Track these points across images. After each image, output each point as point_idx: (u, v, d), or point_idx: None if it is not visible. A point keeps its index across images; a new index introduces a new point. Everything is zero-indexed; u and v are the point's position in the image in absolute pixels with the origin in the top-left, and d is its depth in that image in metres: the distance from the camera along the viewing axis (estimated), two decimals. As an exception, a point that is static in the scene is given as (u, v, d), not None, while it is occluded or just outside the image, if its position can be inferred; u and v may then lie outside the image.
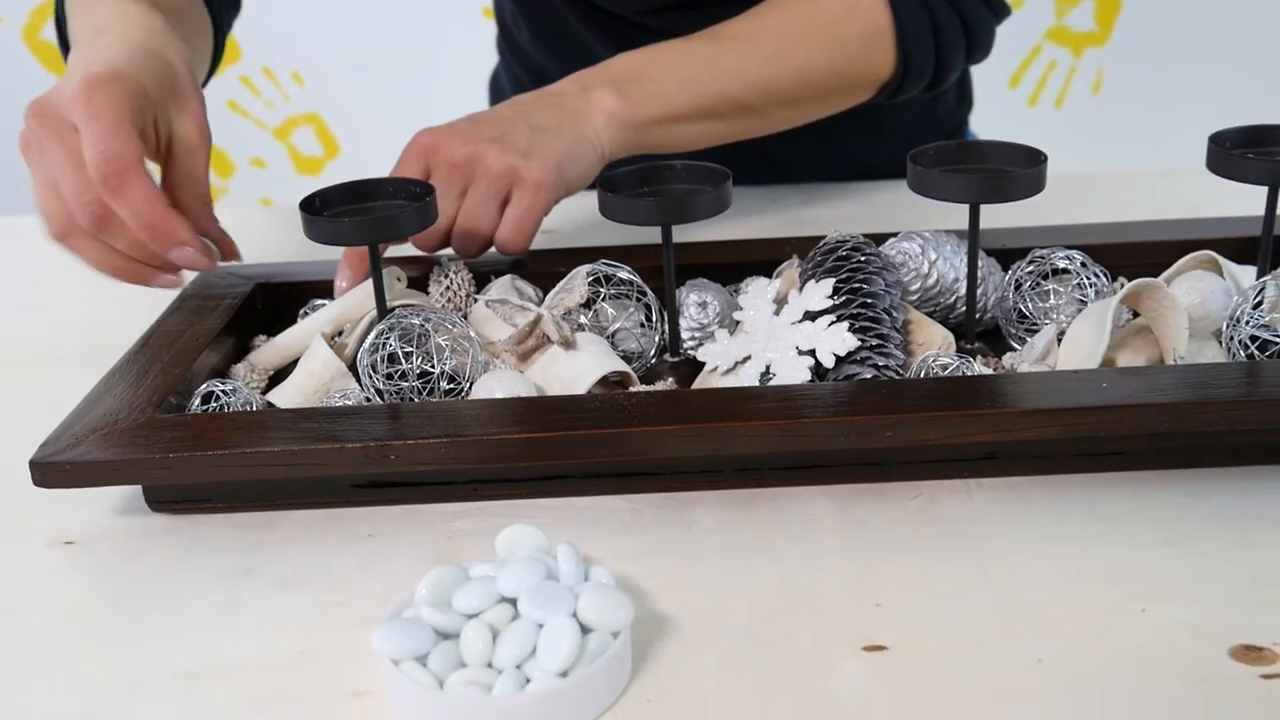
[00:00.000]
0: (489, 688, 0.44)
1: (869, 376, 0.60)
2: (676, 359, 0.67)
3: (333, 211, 0.65)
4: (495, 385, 0.61)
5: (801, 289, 0.64)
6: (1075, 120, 2.13)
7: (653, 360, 0.67)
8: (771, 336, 0.62)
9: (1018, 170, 0.63)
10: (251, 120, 2.16)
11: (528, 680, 0.44)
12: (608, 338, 0.68)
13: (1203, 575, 0.51)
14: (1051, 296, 0.67)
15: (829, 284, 0.63)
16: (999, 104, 2.10)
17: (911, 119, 1.02)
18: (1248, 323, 0.62)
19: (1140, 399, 0.55)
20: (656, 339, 0.67)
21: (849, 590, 0.51)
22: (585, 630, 0.46)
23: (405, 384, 0.61)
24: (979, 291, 0.69)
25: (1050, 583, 0.51)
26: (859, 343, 0.60)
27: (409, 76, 2.07)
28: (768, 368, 0.61)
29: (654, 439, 0.55)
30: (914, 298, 0.68)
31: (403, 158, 0.73)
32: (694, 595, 0.52)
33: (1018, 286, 0.68)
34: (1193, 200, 0.90)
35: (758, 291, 0.65)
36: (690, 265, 0.72)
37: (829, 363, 0.60)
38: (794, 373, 0.60)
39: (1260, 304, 0.63)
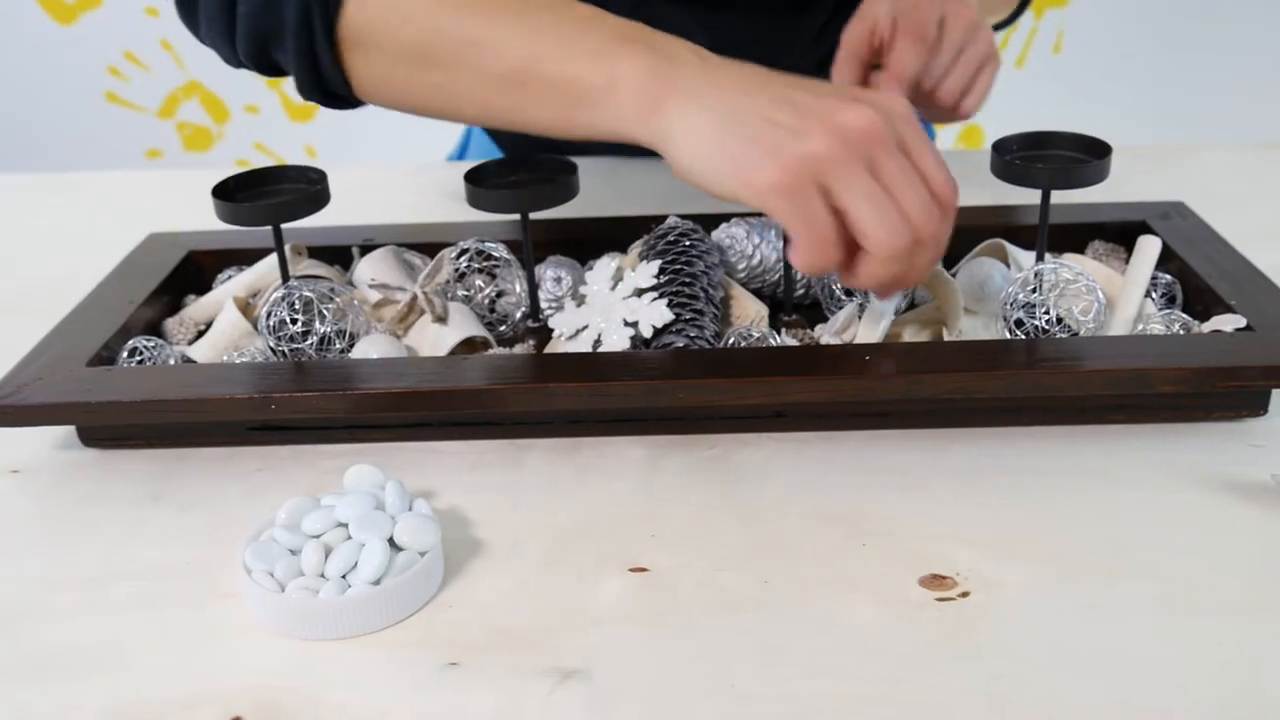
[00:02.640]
0: (317, 592, 0.56)
1: (681, 345, 0.71)
2: (537, 325, 0.79)
3: (243, 195, 0.76)
4: (370, 347, 0.73)
5: (635, 268, 0.75)
6: (1034, 81, 2.21)
7: (518, 325, 0.79)
8: (606, 309, 0.74)
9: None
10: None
11: (349, 587, 0.56)
12: (487, 305, 0.79)
13: (922, 517, 0.63)
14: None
15: (656, 264, 0.74)
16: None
17: None
18: (1013, 305, 0.73)
19: (892, 369, 0.66)
20: (522, 308, 0.79)
21: (633, 523, 0.63)
22: (399, 549, 0.58)
23: (295, 345, 0.73)
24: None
25: (797, 521, 0.63)
26: (674, 316, 0.71)
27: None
28: (599, 336, 0.73)
29: (492, 395, 0.67)
30: (741, 275, 0.79)
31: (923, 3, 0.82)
32: (509, 524, 0.64)
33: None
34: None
35: (602, 268, 0.76)
36: (591, 239, 0.84)
37: (648, 333, 0.71)
38: (618, 341, 0.72)
39: (1035, 289, 0.74)
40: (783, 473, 0.67)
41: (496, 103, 0.70)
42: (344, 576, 0.57)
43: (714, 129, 0.61)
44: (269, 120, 2.28)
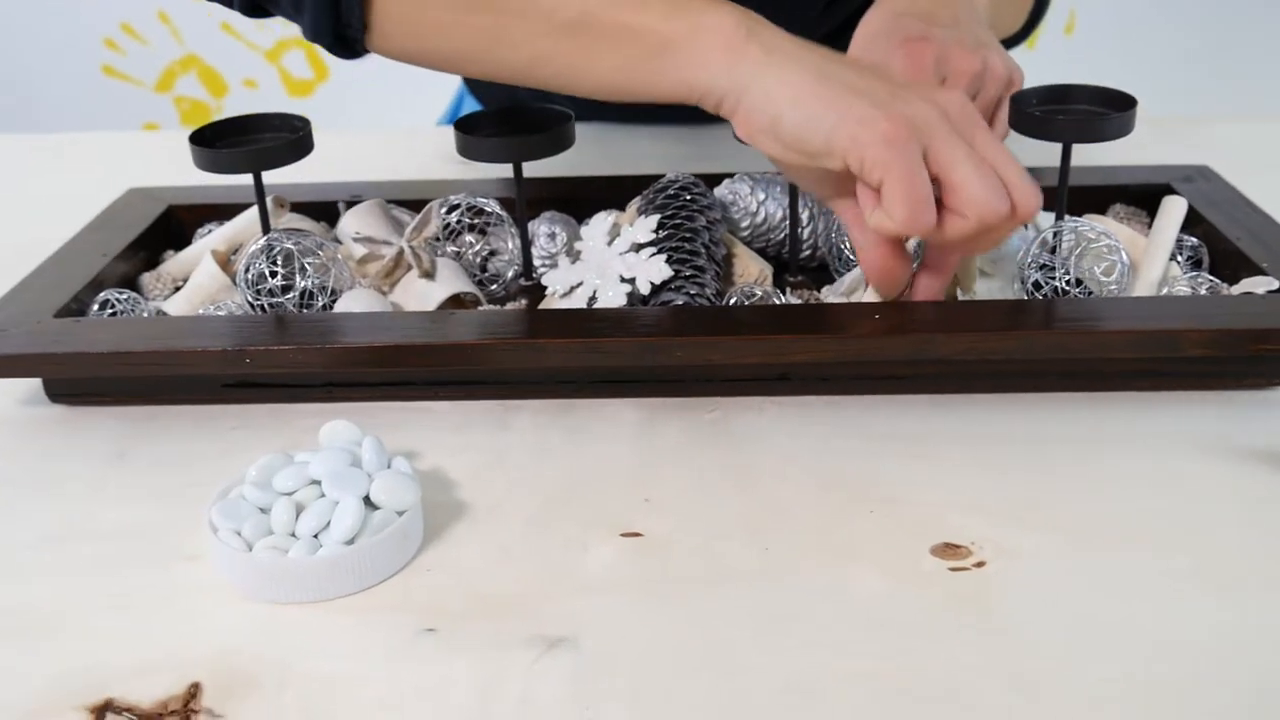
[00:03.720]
0: (286, 552, 0.52)
1: (680, 303, 0.67)
2: (529, 283, 0.75)
3: (223, 143, 0.72)
4: (353, 303, 0.69)
5: (632, 224, 0.71)
6: (1046, 61, 2.16)
7: (510, 284, 0.75)
8: (602, 265, 0.70)
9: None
10: (244, 42, 2.22)
11: (321, 547, 0.53)
12: (479, 263, 0.76)
13: (933, 485, 0.59)
14: (868, 236, 0.74)
15: (655, 219, 0.70)
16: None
17: None
18: (1032, 265, 0.69)
19: (900, 329, 0.62)
20: (515, 266, 0.75)
21: (626, 487, 0.60)
22: (375, 508, 0.54)
23: (274, 300, 0.69)
24: (809, 230, 0.76)
25: (800, 487, 0.59)
26: (673, 272, 0.68)
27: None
28: (594, 293, 0.69)
29: (478, 351, 0.63)
30: (745, 233, 0.75)
31: (914, 75, 0.72)
32: (493, 486, 0.60)
33: (840, 227, 0.75)
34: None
35: (598, 224, 0.72)
36: (588, 198, 0.80)
37: (645, 289, 0.67)
38: (614, 298, 0.68)
39: (1054, 249, 0.70)
40: (786, 437, 0.63)
41: (553, 52, 0.64)
42: (316, 536, 0.53)
43: (811, 81, 0.59)
44: (267, 95, 2.25)
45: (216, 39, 2.21)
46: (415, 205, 0.81)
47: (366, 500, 0.54)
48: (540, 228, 0.75)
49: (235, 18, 2.31)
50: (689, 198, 0.72)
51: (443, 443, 0.64)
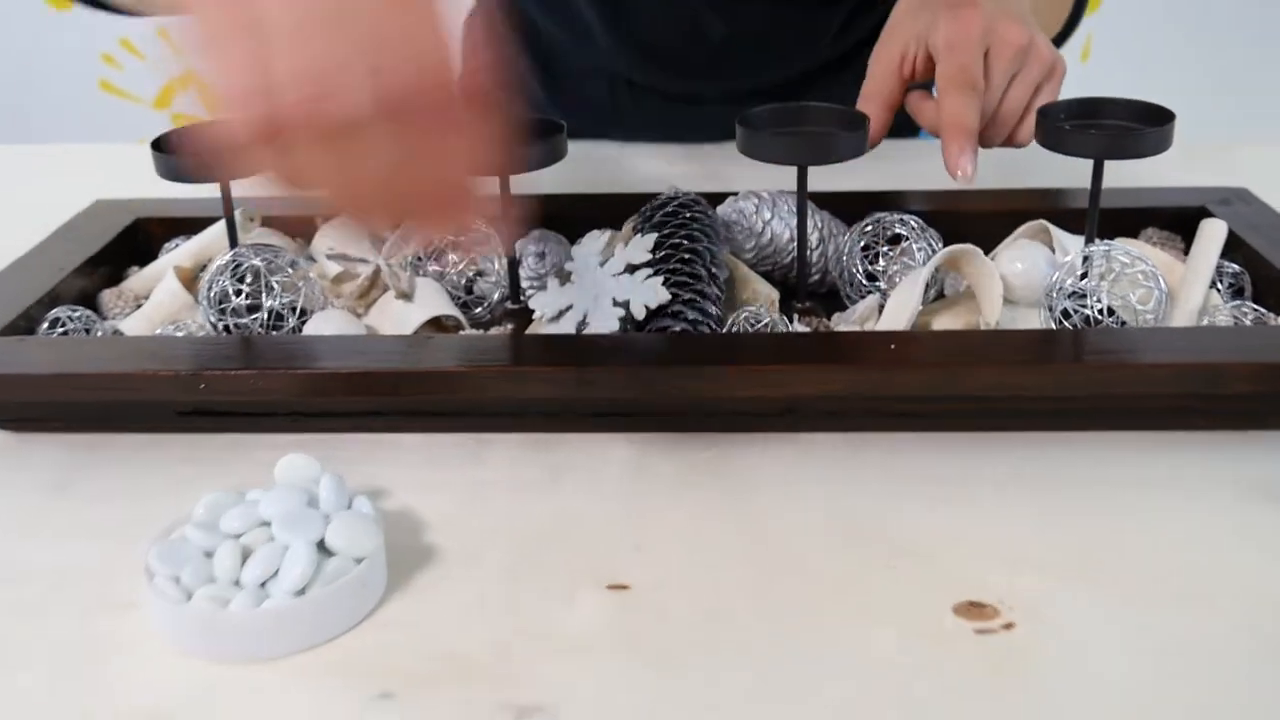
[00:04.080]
0: (227, 602, 0.47)
1: (678, 330, 0.62)
2: (516, 306, 0.69)
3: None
4: (324, 325, 0.64)
5: (627, 243, 0.66)
6: (1063, 90, 2.12)
7: (496, 307, 0.70)
8: (594, 287, 0.64)
9: (843, 133, 0.64)
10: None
11: (267, 598, 0.47)
12: (464, 285, 0.70)
13: (955, 535, 0.53)
14: (881, 260, 0.69)
15: (652, 238, 0.64)
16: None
17: None
18: (1059, 293, 0.64)
19: (919, 361, 0.57)
20: (502, 288, 0.70)
21: (613, 531, 0.54)
22: (330, 554, 0.48)
23: (239, 320, 0.64)
24: (818, 253, 0.71)
25: (806, 535, 0.53)
26: (671, 296, 0.62)
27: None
28: (584, 317, 0.63)
29: (454, 379, 0.58)
30: (749, 255, 0.70)
31: (962, 38, 0.69)
32: (467, 530, 0.54)
33: (862, 249, 0.69)
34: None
35: (590, 242, 0.67)
36: (580, 217, 0.74)
37: (640, 314, 0.62)
38: (606, 323, 0.62)
39: (1084, 275, 0.64)
40: (793, 479, 0.57)
41: None
42: (263, 585, 0.47)
43: None
44: (266, 113, 2.20)
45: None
46: (397, 221, 0.75)
47: (321, 545, 0.49)
48: (528, 247, 0.70)
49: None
50: (689, 216, 0.66)
51: (414, 480, 0.58)
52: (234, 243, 0.67)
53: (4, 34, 2.18)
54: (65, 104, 2.21)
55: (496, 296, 0.70)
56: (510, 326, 0.68)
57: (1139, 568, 0.51)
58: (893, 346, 0.58)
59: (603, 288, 0.64)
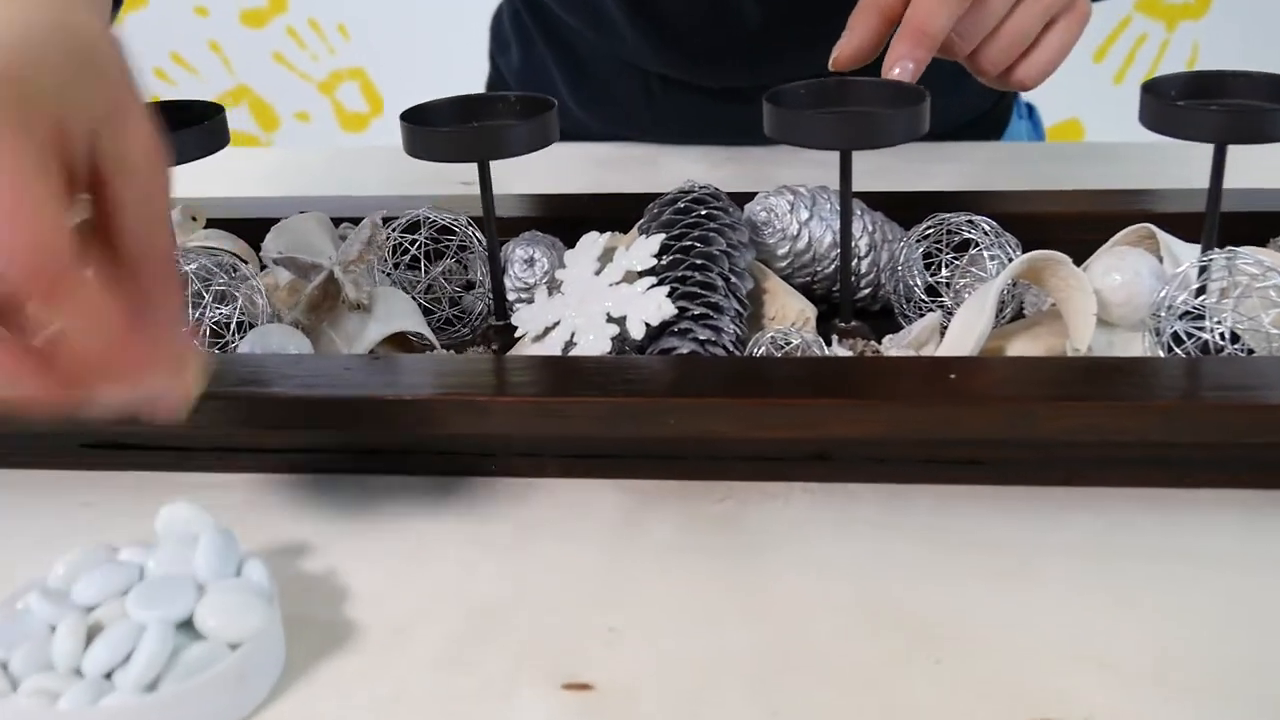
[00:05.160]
0: (57, 697, 0.36)
1: (685, 352, 0.50)
2: (501, 322, 0.58)
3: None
4: (261, 341, 0.53)
5: (629, 246, 0.54)
6: (1174, 58, 1.96)
7: (478, 322, 0.59)
8: (586, 300, 0.53)
9: (892, 111, 0.52)
10: (296, 73, 2.12)
11: (111, 691, 0.36)
12: (449, 298, 0.59)
13: (1026, 622, 0.40)
14: (945, 270, 0.57)
15: (657, 240, 0.53)
16: (1081, 78, 1.94)
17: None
18: (1168, 313, 0.51)
19: (986, 397, 0.44)
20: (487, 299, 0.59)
21: (585, 607, 0.42)
22: (198, 637, 0.37)
23: (161, 333, 0.53)
24: (869, 261, 0.58)
25: (832, 616, 0.41)
26: (677, 311, 0.50)
27: (455, 32, 2.00)
28: (572, 335, 0.52)
29: (399, 410, 0.46)
30: (782, 264, 0.58)
31: None
32: (399, 600, 0.43)
33: (922, 257, 0.57)
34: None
35: (586, 246, 0.55)
36: (580, 218, 0.62)
37: (638, 333, 0.50)
38: (597, 343, 0.51)
39: (1201, 290, 0.51)
40: (819, 542, 0.45)
41: None
42: (109, 675, 0.36)
43: None
44: (320, 128, 2.13)
45: (268, 69, 2.10)
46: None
47: (189, 624, 0.38)
48: (515, 251, 0.58)
49: (287, 48, 2.22)
50: (705, 213, 0.54)
51: (345, 534, 0.47)
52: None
53: None
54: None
55: (479, 310, 0.59)
56: (490, 347, 0.57)
57: (1268, 672, 0.37)
58: (953, 376, 0.45)
59: (596, 300, 0.52)
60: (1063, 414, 0.44)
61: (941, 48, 0.56)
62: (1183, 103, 0.53)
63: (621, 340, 0.50)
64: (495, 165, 0.55)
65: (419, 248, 0.59)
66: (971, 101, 0.90)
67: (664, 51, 0.87)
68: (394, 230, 0.59)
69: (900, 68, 0.54)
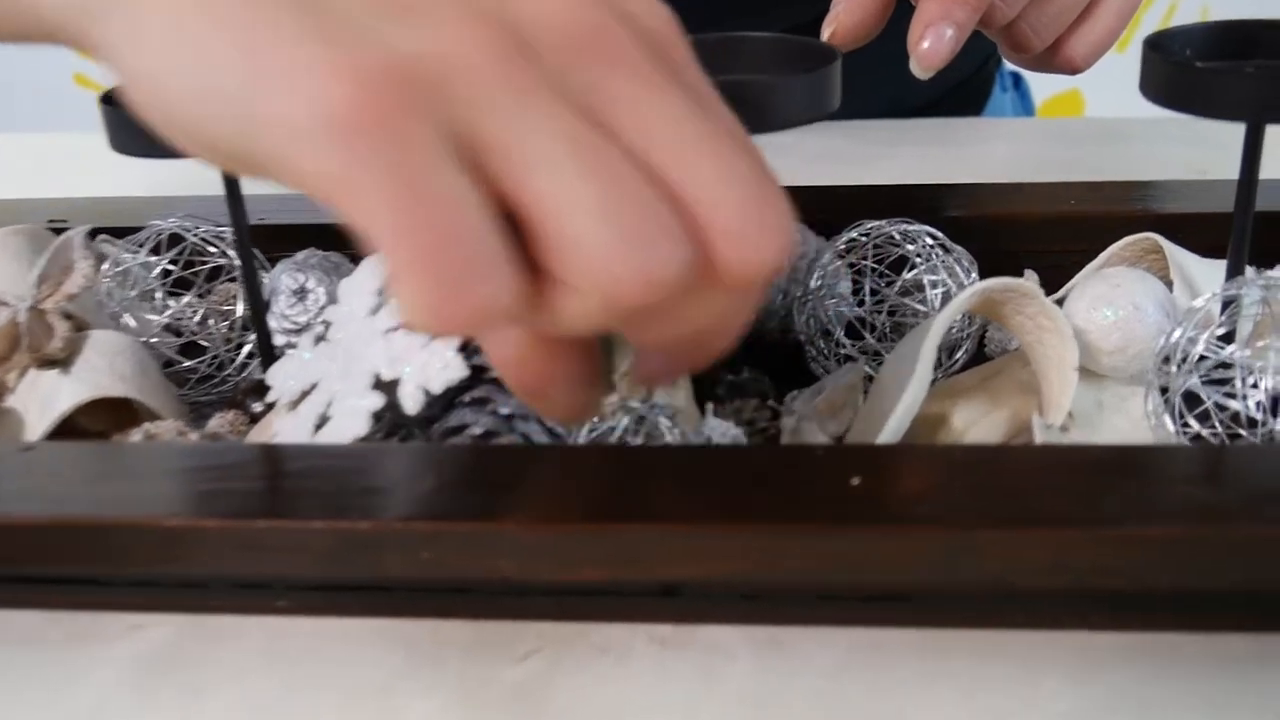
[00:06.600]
0: None
1: (479, 434, 0.34)
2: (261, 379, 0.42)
3: None
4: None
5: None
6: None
7: (242, 375, 0.43)
8: (354, 352, 0.37)
9: (790, 79, 0.36)
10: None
11: None
12: (222, 340, 0.44)
13: None
14: (872, 299, 0.41)
15: (455, 269, 0.37)
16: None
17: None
18: (1181, 365, 0.35)
19: (900, 513, 0.29)
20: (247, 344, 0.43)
21: None
22: None
23: None
24: (770, 285, 0.43)
25: None
26: (470, 372, 0.35)
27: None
28: (329, 406, 0.36)
29: (28, 534, 0.31)
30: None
31: None
32: None
33: (847, 278, 0.42)
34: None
35: (366, 273, 0.40)
36: None
37: (413, 405, 0.35)
38: (354, 421, 0.35)
39: (1227, 336, 0.36)
40: (658, 712, 0.30)
41: None
42: None
43: (210, 12, 0.24)
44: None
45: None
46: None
47: None
48: (281, 279, 0.42)
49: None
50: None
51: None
52: None
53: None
54: (38, 97, 2.02)
55: (241, 360, 0.43)
56: (254, 410, 0.41)
57: None
58: (854, 482, 0.30)
59: (367, 353, 0.37)
60: (1015, 546, 0.28)
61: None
62: (1203, 64, 0.37)
63: (388, 413, 0.35)
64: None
65: (176, 271, 0.44)
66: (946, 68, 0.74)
67: None
68: (141, 250, 0.43)
69: (933, 36, 0.39)
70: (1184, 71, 0.35)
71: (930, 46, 0.39)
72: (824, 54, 0.37)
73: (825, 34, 0.42)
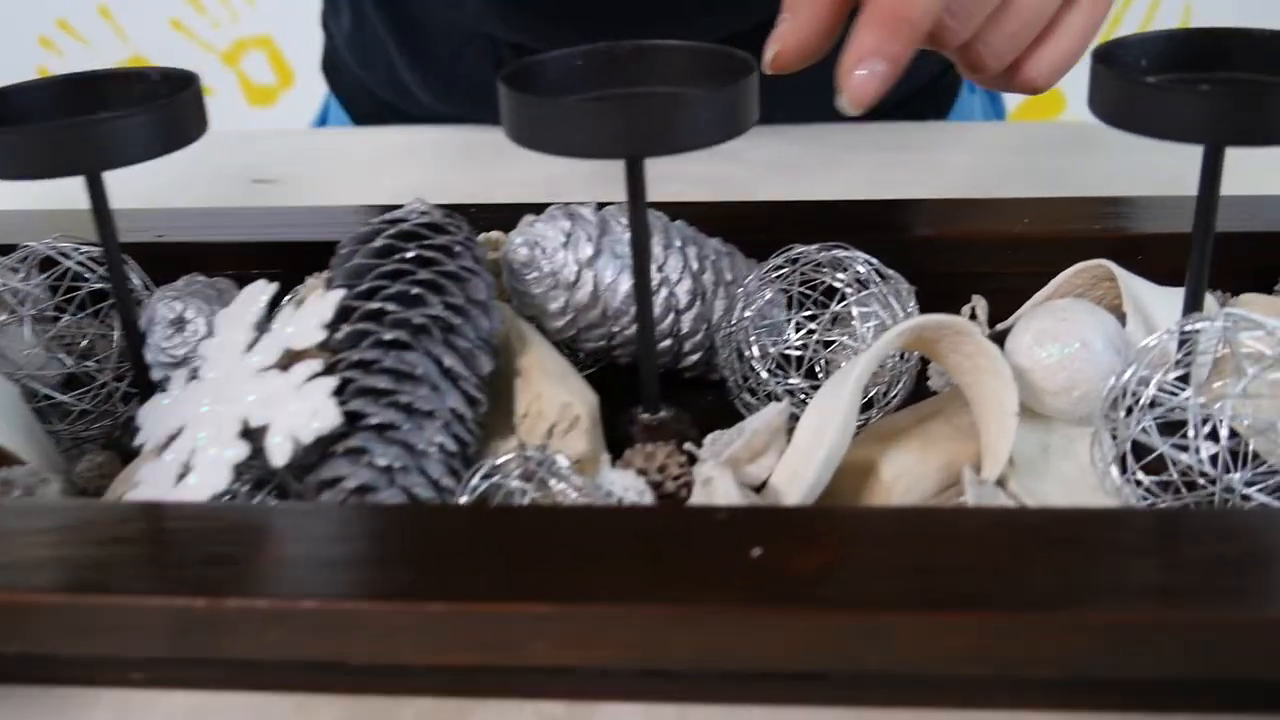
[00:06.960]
0: None
1: (352, 489, 0.31)
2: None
3: None
4: None
5: (301, 304, 0.35)
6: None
7: (118, 416, 0.40)
8: (227, 394, 0.34)
9: (695, 99, 0.33)
10: (197, 41, 1.92)
11: None
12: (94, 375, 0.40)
13: None
14: (799, 332, 0.37)
15: (335, 299, 0.34)
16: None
17: None
18: (1132, 410, 0.32)
19: (803, 593, 0.25)
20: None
21: None
22: None
23: None
24: (691, 318, 0.39)
25: None
26: (344, 419, 0.31)
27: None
28: (192, 457, 0.33)
29: None
30: (559, 323, 0.39)
31: None
32: None
33: (771, 310, 0.38)
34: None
35: (244, 304, 0.36)
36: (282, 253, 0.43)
37: (281, 457, 0.31)
38: (215, 473, 0.32)
39: (1184, 377, 0.33)
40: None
41: None
42: None
43: None
44: (224, 102, 1.93)
45: (165, 38, 1.90)
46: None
47: None
48: (157, 308, 0.39)
49: (186, 13, 2.02)
50: (414, 255, 0.35)
51: None
52: None
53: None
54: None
55: (119, 395, 0.40)
56: (132, 448, 0.38)
57: None
58: (756, 553, 0.26)
59: (237, 395, 0.33)
60: (931, 632, 0.25)
61: (933, 38, 0.37)
62: (1158, 79, 0.34)
63: (250, 468, 0.31)
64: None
65: (48, 300, 0.40)
66: (910, 68, 0.71)
67: (515, 15, 0.67)
68: (15, 274, 0.40)
69: (866, 69, 0.36)
70: (1134, 88, 0.31)
71: (859, 83, 0.35)
72: (741, 66, 0.34)
73: (769, 54, 0.39)
